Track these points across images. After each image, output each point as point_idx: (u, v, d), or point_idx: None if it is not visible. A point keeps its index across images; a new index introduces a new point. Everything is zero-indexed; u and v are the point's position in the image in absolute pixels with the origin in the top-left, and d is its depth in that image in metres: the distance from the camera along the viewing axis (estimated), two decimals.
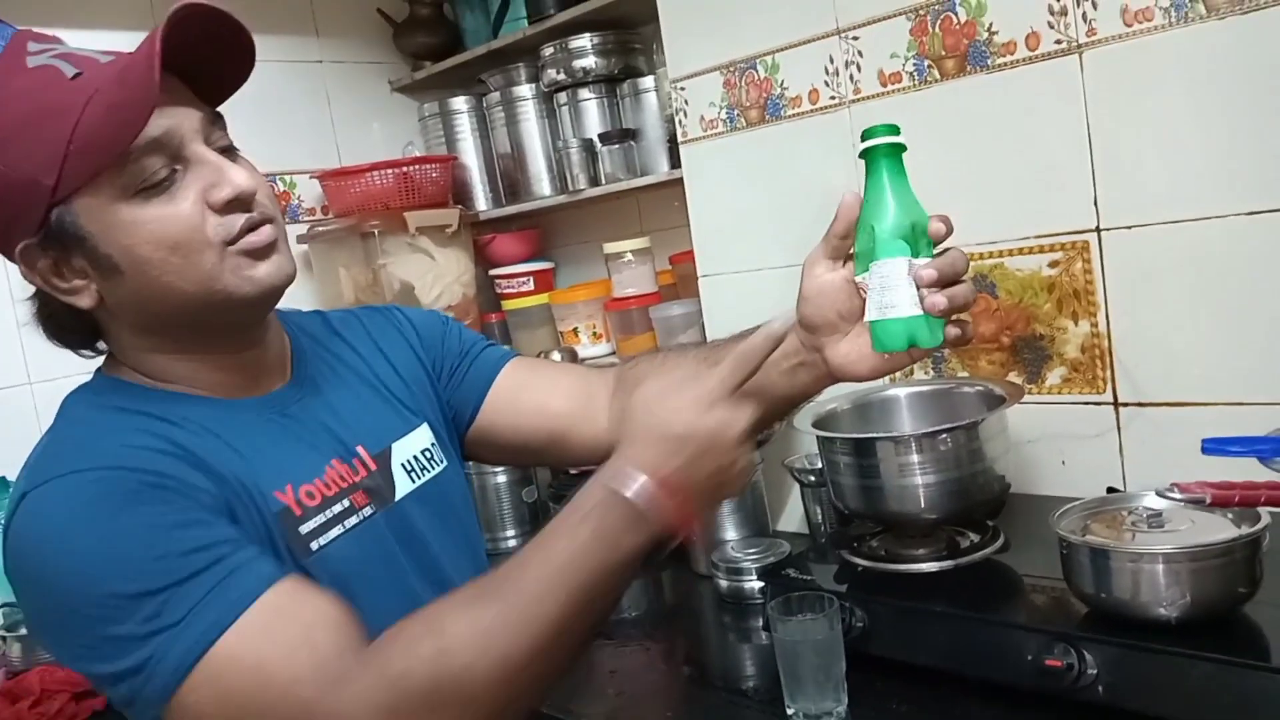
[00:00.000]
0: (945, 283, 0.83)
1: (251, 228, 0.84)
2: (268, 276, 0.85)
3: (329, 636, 0.75)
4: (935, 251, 0.84)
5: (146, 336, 0.87)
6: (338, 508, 0.88)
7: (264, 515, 0.83)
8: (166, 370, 0.87)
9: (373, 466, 0.94)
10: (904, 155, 0.84)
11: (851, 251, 0.88)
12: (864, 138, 0.84)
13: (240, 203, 0.83)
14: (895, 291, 0.81)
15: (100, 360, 0.92)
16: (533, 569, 0.75)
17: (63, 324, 0.88)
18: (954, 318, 0.85)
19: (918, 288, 0.82)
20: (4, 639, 1.66)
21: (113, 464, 0.77)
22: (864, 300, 0.85)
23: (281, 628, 0.74)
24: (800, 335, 0.93)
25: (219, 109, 0.87)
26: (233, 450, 0.84)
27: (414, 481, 0.97)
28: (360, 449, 0.94)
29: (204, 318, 0.85)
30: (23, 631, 1.64)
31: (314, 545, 0.86)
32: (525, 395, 1.08)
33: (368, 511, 0.91)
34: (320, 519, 0.87)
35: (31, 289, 0.87)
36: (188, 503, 0.77)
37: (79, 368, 1.84)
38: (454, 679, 0.72)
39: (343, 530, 0.88)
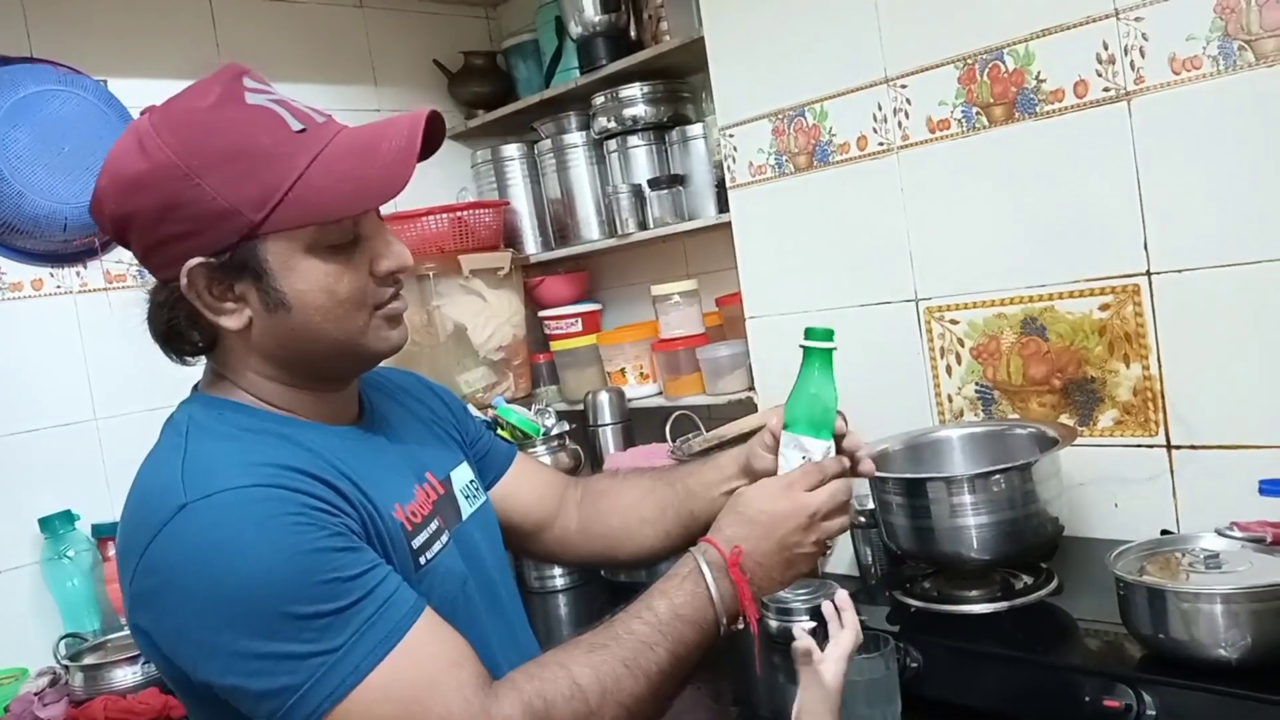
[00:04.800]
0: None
1: (394, 297, 0.94)
2: (398, 340, 0.95)
3: (469, 671, 0.82)
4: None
5: (272, 366, 0.92)
6: (432, 526, 0.96)
7: (389, 532, 0.89)
8: (278, 397, 0.93)
9: (441, 490, 1.02)
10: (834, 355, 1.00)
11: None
12: (807, 336, 0.99)
13: (395, 276, 0.93)
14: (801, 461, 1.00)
15: (193, 371, 0.98)
16: (641, 624, 0.87)
17: (180, 332, 0.91)
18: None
19: None
20: (66, 669, 1.69)
21: (274, 483, 0.80)
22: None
23: (429, 661, 0.80)
24: (746, 475, 1.10)
25: None
26: (349, 470, 0.89)
27: (470, 506, 1.06)
28: (429, 474, 1.02)
29: (332, 363, 0.93)
30: (86, 661, 1.68)
31: (423, 560, 0.92)
32: (526, 484, 1.22)
33: (447, 535, 0.98)
34: (424, 535, 0.94)
35: (150, 291, 0.92)
36: (342, 528, 0.82)
37: (143, 404, 1.90)
38: (589, 714, 0.82)
39: (441, 546, 0.95)
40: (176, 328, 0.90)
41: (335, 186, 0.84)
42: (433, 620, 0.83)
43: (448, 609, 0.89)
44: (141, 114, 0.87)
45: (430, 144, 0.90)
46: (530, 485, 1.22)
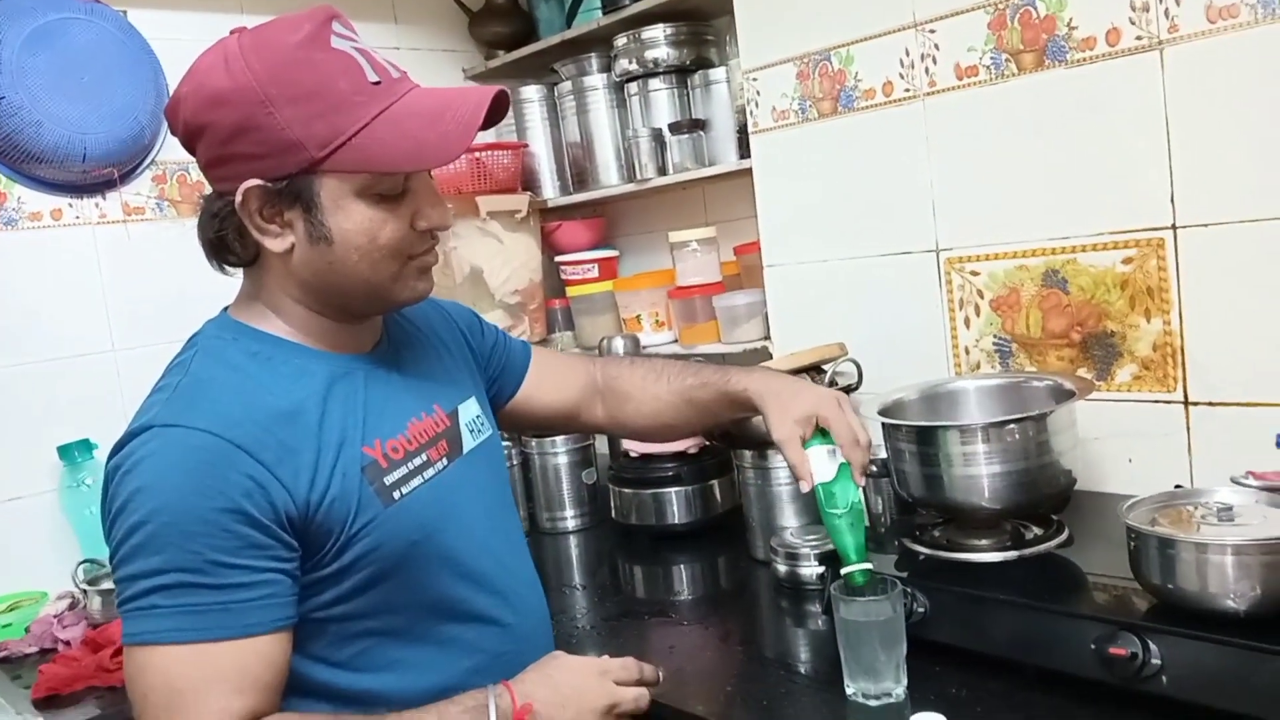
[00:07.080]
0: None
1: (428, 251, 0.99)
2: (424, 291, 1.01)
3: (243, 704, 0.86)
4: None
5: (304, 292, 0.98)
6: (417, 461, 1.01)
7: (340, 484, 0.94)
8: (302, 321, 0.99)
9: (446, 423, 1.08)
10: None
11: (803, 435, 1.22)
12: (848, 580, 1.17)
13: (433, 233, 0.99)
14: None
15: (227, 282, 1.04)
16: None
17: (228, 246, 0.97)
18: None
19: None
20: (85, 593, 1.73)
21: (228, 434, 0.87)
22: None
23: (218, 673, 0.85)
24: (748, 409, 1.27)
25: None
26: (333, 411, 0.96)
27: (474, 440, 1.12)
28: (436, 406, 1.08)
29: (359, 301, 0.99)
30: (103, 585, 1.71)
31: (397, 495, 0.98)
32: (549, 380, 1.33)
33: (442, 464, 1.04)
34: (403, 470, 0.99)
35: (204, 199, 0.98)
36: (263, 507, 0.87)
37: (161, 336, 1.91)
38: None
39: (422, 481, 1.01)
40: (224, 239, 0.96)
41: (396, 142, 0.89)
42: (254, 649, 0.86)
43: (423, 535, 0.97)
44: (231, 33, 0.92)
45: (493, 117, 0.95)
46: (550, 385, 1.33)
